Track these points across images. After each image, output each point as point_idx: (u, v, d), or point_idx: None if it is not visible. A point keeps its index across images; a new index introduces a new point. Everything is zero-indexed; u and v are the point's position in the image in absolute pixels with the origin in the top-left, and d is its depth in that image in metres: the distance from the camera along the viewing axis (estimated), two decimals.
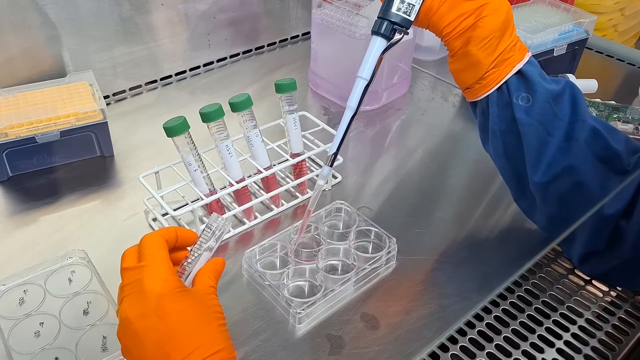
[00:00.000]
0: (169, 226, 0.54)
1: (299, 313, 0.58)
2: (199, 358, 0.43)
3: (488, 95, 0.58)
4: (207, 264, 0.49)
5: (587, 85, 0.99)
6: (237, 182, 0.67)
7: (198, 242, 0.49)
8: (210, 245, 0.49)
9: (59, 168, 0.79)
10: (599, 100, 0.92)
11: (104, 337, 0.56)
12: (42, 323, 0.57)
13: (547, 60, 0.95)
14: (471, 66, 0.57)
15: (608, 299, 0.64)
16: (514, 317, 0.61)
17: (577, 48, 0.99)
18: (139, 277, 0.45)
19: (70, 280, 0.61)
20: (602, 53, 1.18)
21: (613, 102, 0.92)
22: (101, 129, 0.78)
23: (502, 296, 0.63)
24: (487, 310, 0.62)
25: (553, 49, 0.94)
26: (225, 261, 0.51)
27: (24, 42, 0.81)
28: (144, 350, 0.43)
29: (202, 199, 0.65)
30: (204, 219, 0.69)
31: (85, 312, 0.58)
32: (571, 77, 0.96)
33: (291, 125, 0.72)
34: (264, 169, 0.70)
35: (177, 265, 0.49)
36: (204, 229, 0.49)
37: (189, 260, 0.49)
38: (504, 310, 0.62)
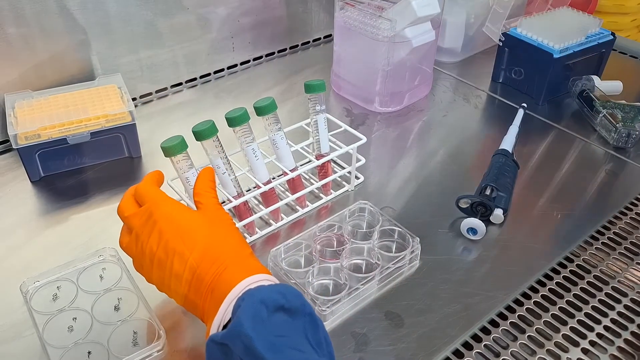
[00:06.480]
0: (152, 171, 0.60)
1: (324, 310, 0.59)
2: (232, 263, 0.48)
3: None
4: (200, 178, 0.57)
5: (612, 86, 0.99)
6: (264, 184, 0.69)
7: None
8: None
9: (88, 169, 0.81)
10: (624, 101, 0.91)
11: (135, 332, 0.57)
12: (75, 318, 0.59)
13: (574, 64, 0.95)
14: None
15: (629, 298, 0.64)
16: (538, 317, 0.61)
17: (604, 51, 0.99)
18: (150, 215, 0.52)
19: (101, 277, 0.63)
20: (626, 54, 1.17)
21: (639, 103, 0.92)
22: (130, 130, 0.80)
23: (526, 295, 0.64)
24: (511, 309, 0.62)
25: (580, 52, 0.94)
26: (212, 168, 0.59)
27: (54, 47, 0.84)
28: (177, 275, 0.49)
29: (231, 201, 0.66)
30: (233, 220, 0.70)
31: (116, 308, 0.60)
32: (596, 80, 0.96)
33: (321, 125, 0.73)
34: (289, 170, 0.71)
35: None
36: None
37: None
38: (528, 310, 0.62)
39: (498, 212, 0.71)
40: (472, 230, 0.70)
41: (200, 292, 0.49)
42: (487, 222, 0.72)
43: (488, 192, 0.72)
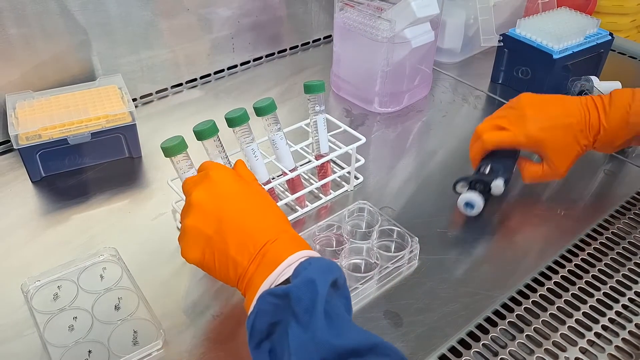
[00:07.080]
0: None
1: None
2: (273, 237, 0.50)
3: None
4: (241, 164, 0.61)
5: (610, 87, 0.99)
6: (264, 184, 0.69)
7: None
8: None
9: (89, 169, 0.81)
10: None
11: (135, 332, 0.57)
12: (76, 317, 0.59)
13: (573, 64, 0.95)
14: None
15: (627, 297, 0.64)
16: (537, 316, 0.62)
17: (602, 51, 0.99)
18: (204, 176, 0.55)
19: (101, 276, 0.63)
20: (625, 54, 1.17)
21: None
22: (130, 130, 0.80)
23: (524, 294, 0.64)
24: (509, 308, 0.62)
25: (579, 53, 0.94)
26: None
27: (55, 47, 0.84)
28: (218, 229, 0.51)
29: None
30: None
31: (117, 308, 0.60)
32: (595, 80, 0.96)
33: (321, 125, 0.73)
34: (289, 170, 0.71)
35: None
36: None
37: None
38: (526, 309, 0.62)
39: (499, 182, 0.70)
40: (469, 206, 0.70)
41: (250, 254, 0.50)
42: (486, 207, 0.72)
43: (484, 170, 0.72)
